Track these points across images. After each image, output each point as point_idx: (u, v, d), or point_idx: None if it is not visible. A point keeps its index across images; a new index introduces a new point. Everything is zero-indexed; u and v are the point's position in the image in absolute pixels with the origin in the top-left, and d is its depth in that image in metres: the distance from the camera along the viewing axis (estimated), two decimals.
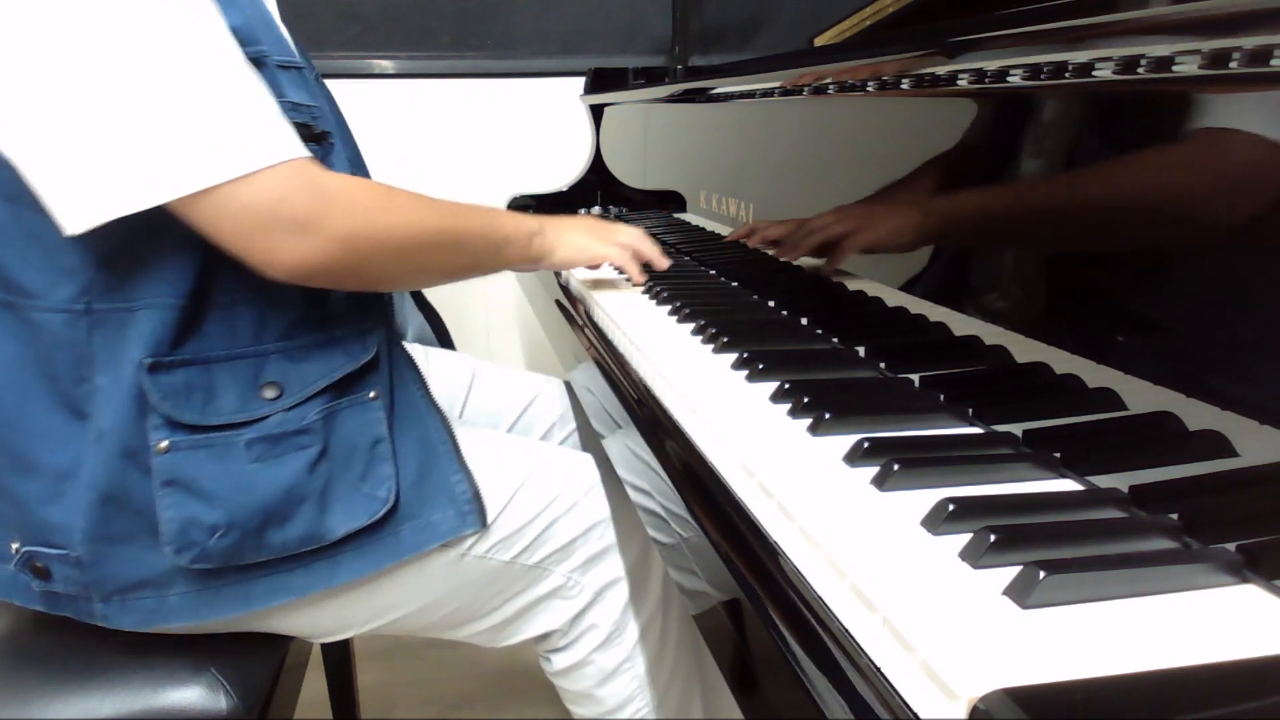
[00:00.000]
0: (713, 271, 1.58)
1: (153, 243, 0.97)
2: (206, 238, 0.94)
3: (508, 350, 2.93)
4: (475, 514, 1.14)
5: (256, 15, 1.03)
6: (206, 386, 1.01)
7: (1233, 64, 0.62)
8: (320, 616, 1.14)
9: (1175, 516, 0.65)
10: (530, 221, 1.26)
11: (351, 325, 1.11)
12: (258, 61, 0.99)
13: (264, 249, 0.94)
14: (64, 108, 0.86)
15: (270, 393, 1.04)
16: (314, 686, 1.58)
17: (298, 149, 0.95)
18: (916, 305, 1.03)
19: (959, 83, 0.95)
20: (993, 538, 0.60)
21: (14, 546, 1.03)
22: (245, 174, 0.90)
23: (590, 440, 1.52)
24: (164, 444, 0.99)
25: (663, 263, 1.41)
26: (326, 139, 1.09)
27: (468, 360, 1.55)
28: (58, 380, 0.99)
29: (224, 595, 1.05)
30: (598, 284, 1.50)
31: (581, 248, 1.31)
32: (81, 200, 0.88)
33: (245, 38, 0.97)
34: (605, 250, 1.34)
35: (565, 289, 1.58)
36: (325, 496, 1.05)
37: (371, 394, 1.11)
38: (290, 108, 1.01)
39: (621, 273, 1.41)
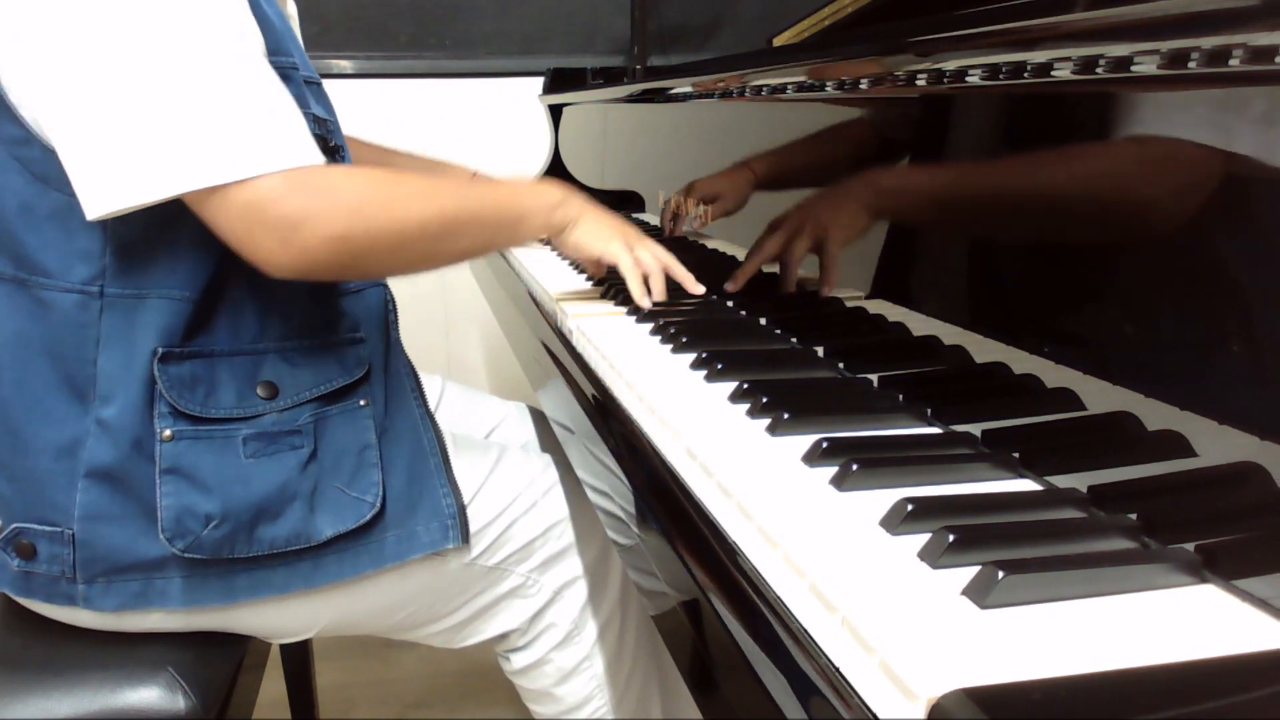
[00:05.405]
0: None
1: (169, 236, 1.01)
2: (214, 232, 0.97)
3: (467, 355, 2.92)
4: (458, 529, 1.15)
5: (286, 30, 1.06)
6: (209, 380, 1.04)
7: (1191, 64, 0.62)
8: (284, 617, 1.14)
9: (1134, 516, 0.65)
10: (553, 193, 1.21)
11: (347, 335, 1.14)
12: (287, 74, 1.01)
13: (260, 247, 0.96)
14: (93, 102, 0.90)
15: (265, 392, 1.06)
16: (273, 687, 1.57)
17: (306, 156, 0.96)
18: (875, 305, 1.03)
19: (917, 82, 0.95)
20: (951, 538, 0.60)
21: None
22: (248, 177, 0.92)
23: (550, 441, 1.51)
24: (168, 432, 1.02)
25: (696, 288, 1.29)
26: (340, 153, 1.12)
27: (436, 379, 1.55)
28: (63, 360, 1.01)
29: (209, 585, 1.06)
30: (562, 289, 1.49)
31: (598, 236, 1.23)
32: (102, 189, 0.92)
33: (279, 49, 1.02)
34: (617, 252, 1.23)
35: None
36: (314, 498, 1.07)
37: (361, 402, 1.13)
38: (312, 120, 1.04)
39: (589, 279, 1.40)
